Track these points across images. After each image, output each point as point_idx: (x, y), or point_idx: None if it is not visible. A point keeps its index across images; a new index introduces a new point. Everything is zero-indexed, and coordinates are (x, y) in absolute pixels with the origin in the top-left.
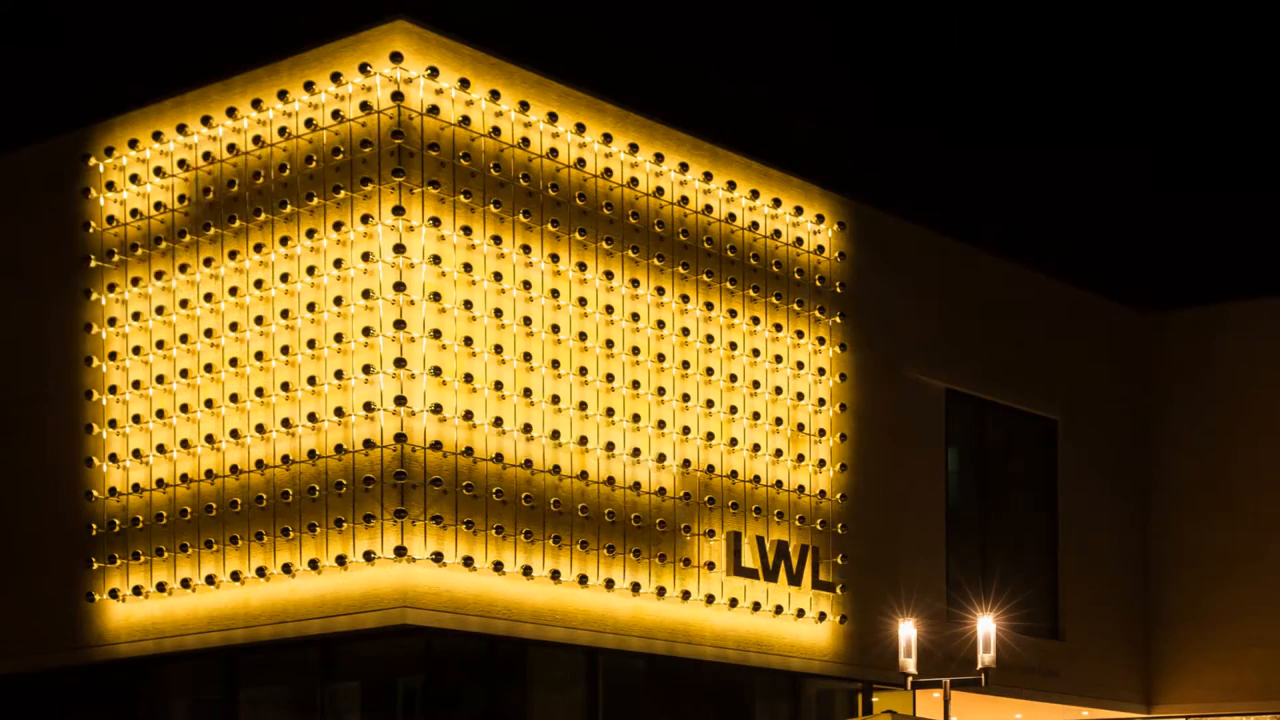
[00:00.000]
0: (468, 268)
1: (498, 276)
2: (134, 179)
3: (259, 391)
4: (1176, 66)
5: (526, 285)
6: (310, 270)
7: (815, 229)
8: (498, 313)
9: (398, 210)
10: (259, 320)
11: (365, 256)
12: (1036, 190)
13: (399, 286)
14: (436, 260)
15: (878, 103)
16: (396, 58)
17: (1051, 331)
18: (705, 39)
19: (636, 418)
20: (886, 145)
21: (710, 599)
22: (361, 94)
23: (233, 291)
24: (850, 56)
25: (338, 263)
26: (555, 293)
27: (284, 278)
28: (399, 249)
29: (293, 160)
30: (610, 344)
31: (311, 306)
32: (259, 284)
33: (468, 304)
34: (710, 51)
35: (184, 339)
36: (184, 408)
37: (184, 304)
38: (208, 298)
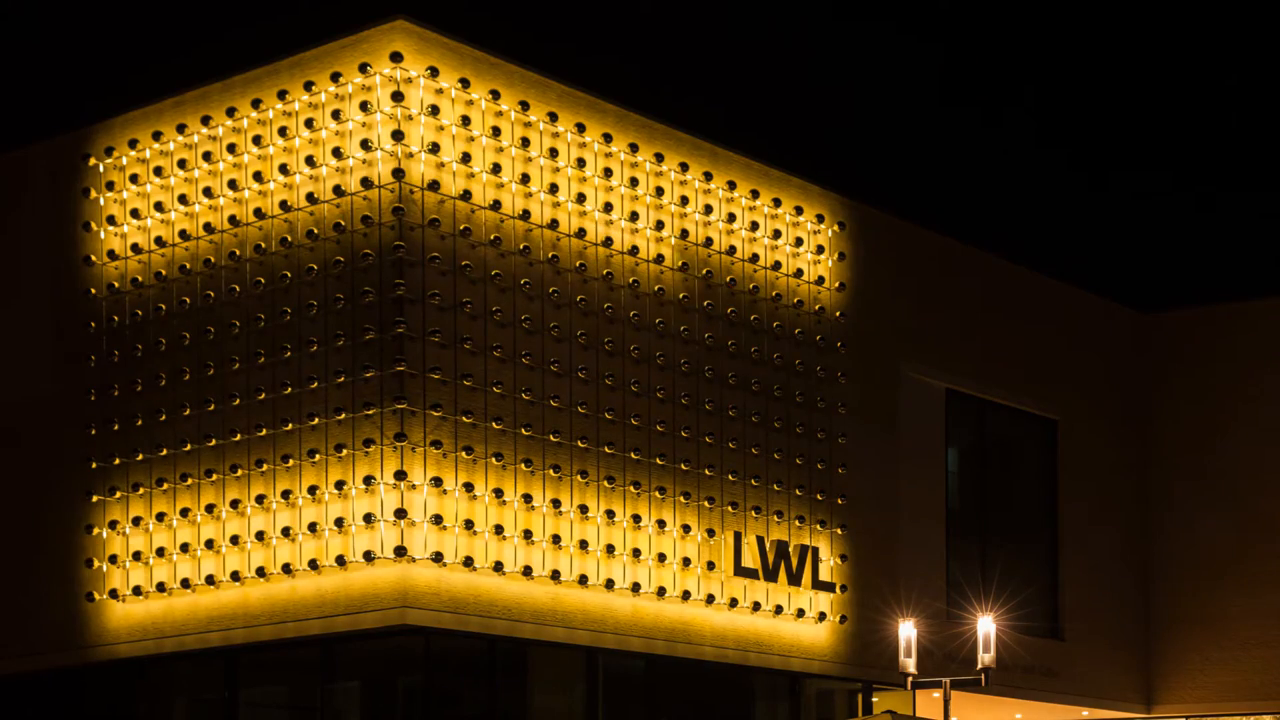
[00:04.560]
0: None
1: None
2: (134, 179)
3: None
4: (1176, 67)
5: (525, 278)
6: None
7: (815, 229)
8: (496, 312)
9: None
10: (259, 316)
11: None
12: (1036, 190)
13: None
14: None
15: (878, 103)
16: (396, 58)
17: (1051, 331)
18: (705, 39)
19: (637, 416)
20: (886, 145)
21: (710, 599)
22: (361, 94)
23: (232, 291)
24: (850, 56)
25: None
26: (555, 292)
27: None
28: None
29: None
30: (610, 343)
31: (313, 305)
32: (258, 283)
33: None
34: (710, 51)
35: (183, 339)
36: (182, 406)
37: (183, 303)
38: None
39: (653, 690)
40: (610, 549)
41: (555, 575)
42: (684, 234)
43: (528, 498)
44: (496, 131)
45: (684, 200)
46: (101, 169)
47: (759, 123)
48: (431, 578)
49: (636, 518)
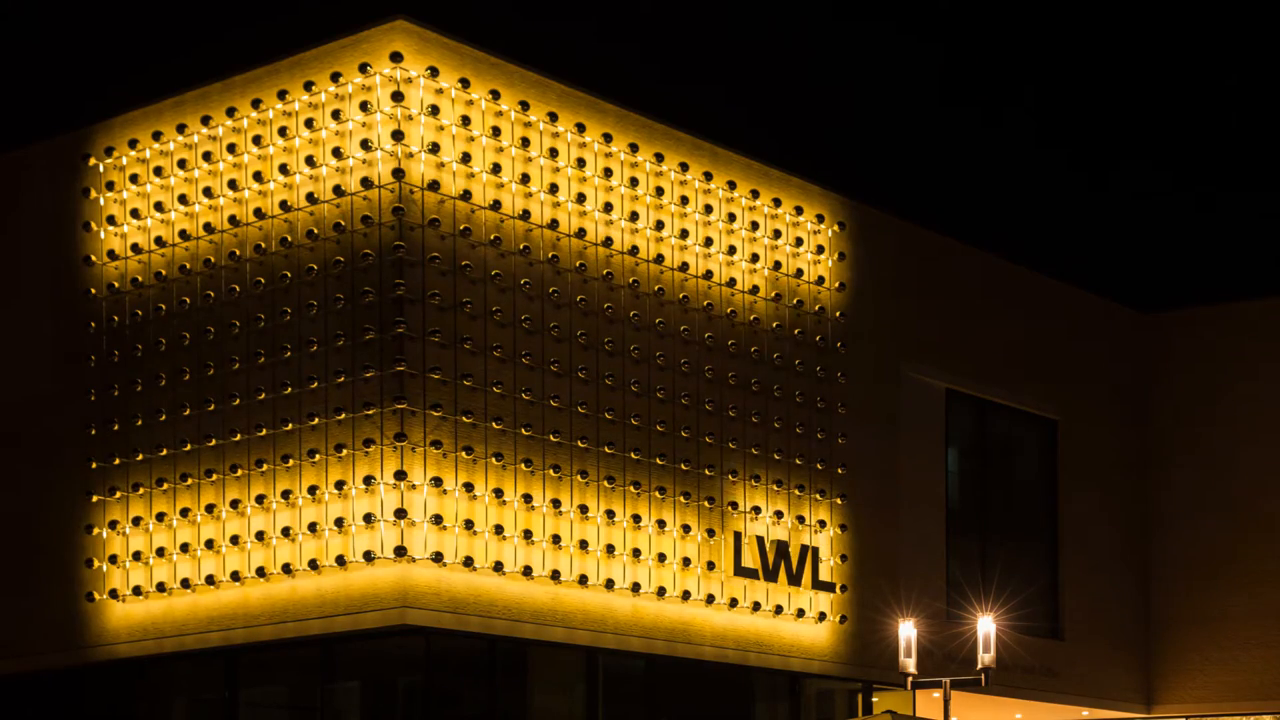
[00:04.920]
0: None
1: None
2: (134, 179)
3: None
4: (1176, 68)
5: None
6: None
7: (815, 229)
8: (496, 312)
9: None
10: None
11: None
12: (1037, 190)
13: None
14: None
15: (878, 102)
16: (396, 58)
17: (1051, 331)
18: (705, 40)
19: (637, 416)
20: (886, 145)
21: (710, 599)
22: (361, 94)
23: (232, 291)
24: (849, 56)
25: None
26: (555, 292)
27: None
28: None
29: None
30: (610, 343)
31: (313, 305)
32: (258, 284)
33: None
34: (711, 52)
35: (183, 339)
36: (182, 406)
37: (183, 303)
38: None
39: (653, 690)
40: (610, 549)
41: (555, 575)
42: (684, 234)
43: (528, 498)
44: (496, 131)
45: (684, 200)
46: (101, 169)
47: (759, 123)
48: (431, 578)
49: (636, 518)
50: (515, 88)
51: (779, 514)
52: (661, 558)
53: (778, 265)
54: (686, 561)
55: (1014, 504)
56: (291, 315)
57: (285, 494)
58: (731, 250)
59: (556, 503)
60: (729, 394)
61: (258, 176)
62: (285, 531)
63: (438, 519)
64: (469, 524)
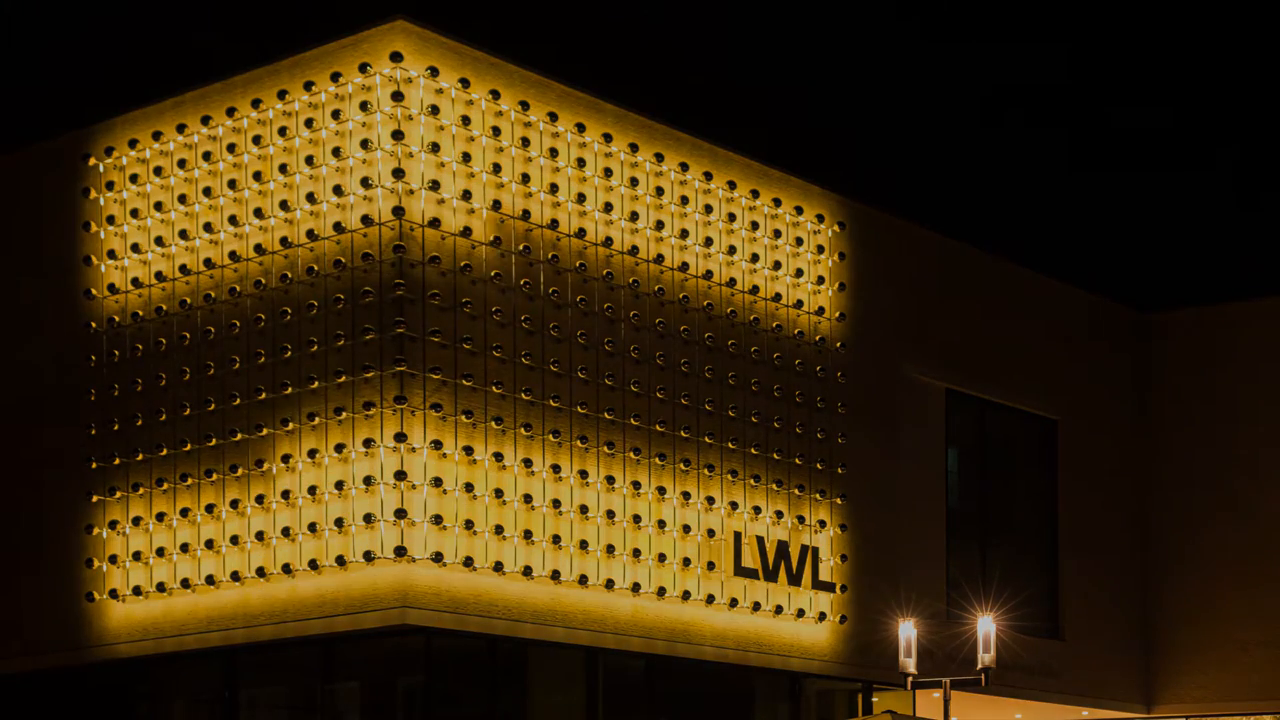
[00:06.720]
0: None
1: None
2: (134, 179)
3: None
4: (1176, 67)
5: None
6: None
7: (815, 229)
8: (496, 312)
9: (398, 211)
10: (255, 281)
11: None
12: (1037, 191)
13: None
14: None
15: (877, 103)
16: (396, 58)
17: (1051, 331)
18: (705, 39)
19: (637, 416)
20: (886, 145)
21: (710, 599)
22: (361, 94)
23: (232, 291)
24: (849, 56)
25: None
26: (555, 292)
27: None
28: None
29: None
30: (610, 343)
31: (313, 305)
32: (259, 283)
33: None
34: (710, 52)
35: (183, 339)
36: (182, 406)
37: (183, 303)
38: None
39: (653, 690)
40: (610, 549)
41: (555, 575)
42: (684, 234)
43: (528, 498)
44: (497, 131)
45: (684, 200)
46: (101, 169)
47: (759, 123)
48: (431, 578)
49: (636, 518)
50: (515, 88)
51: (779, 514)
52: (661, 558)
53: (778, 265)
54: (686, 561)
55: (1014, 504)
56: (291, 315)
57: (285, 494)
58: (731, 250)
59: (557, 503)
60: (729, 394)
61: (258, 176)
62: (285, 531)
63: (438, 519)
64: (469, 524)
